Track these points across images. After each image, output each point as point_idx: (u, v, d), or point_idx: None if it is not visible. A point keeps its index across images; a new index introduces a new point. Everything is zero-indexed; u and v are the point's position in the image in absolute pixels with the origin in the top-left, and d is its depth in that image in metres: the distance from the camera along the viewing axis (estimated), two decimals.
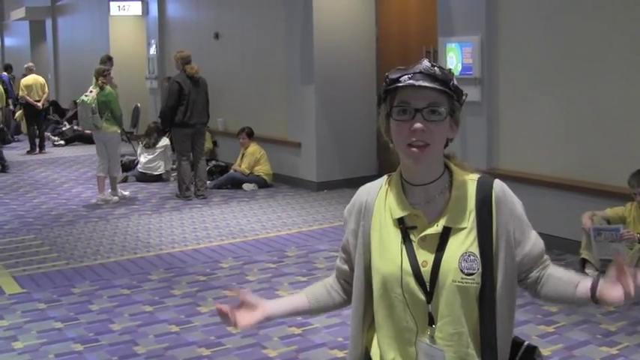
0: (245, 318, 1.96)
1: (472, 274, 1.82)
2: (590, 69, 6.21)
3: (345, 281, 2.08)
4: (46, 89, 14.65)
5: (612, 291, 1.78)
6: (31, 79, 14.44)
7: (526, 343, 1.97)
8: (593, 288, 1.83)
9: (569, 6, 6.36)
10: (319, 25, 9.43)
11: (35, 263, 6.60)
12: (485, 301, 1.83)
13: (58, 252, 6.97)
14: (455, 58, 7.21)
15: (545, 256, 1.95)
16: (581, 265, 5.53)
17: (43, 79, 14.72)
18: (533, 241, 1.92)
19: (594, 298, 1.83)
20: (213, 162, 11.00)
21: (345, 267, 2.06)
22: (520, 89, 6.82)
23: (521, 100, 6.81)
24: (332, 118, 9.61)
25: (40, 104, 14.29)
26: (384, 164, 9.58)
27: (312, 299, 2.09)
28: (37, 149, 14.46)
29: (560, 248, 6.25)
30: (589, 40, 6.20)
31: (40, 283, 5.99)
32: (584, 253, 5.46)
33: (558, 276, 1.92)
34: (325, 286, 2.12)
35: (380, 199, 1.94)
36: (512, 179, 6.09)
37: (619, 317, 4.92)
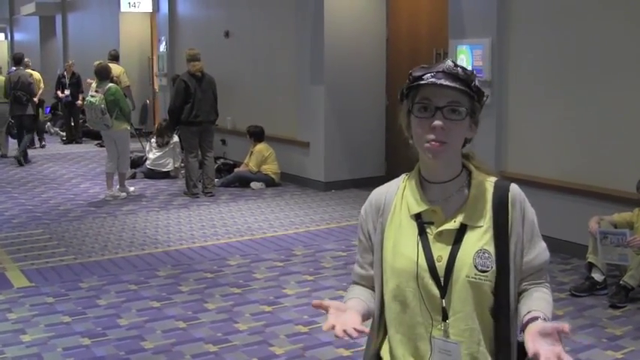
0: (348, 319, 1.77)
1: (486, 272, 1.84)
2: (601, 73, 6.20)
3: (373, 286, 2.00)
4: (42, 84, 14.49)
5: (532, 341, 1.71)
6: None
7: None
8: (524, 326, 1.79)
9: (579, 9, 6.36)
10: (330, 25, 9.44)
11: (43, 257, 6.63)
12: (501, 301, 1.86)
13: (66, 247, 7.01)
14: (465, 60, 7.21)
15: (544, 274, 1.94)
16: (588, 269, 5.52)
17: (38, 75, 14.56)
18: (538, 252, 1.92)
19: (521, 334, 1.81)
20: (222, 160, 11.04)
21: (372, 271, 2.00)
22: (530, 92, 6.82)
23: (530, 103, 6.81)
24: (341, 119, 9.62)
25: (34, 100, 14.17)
26: (393, 165, 9.59)
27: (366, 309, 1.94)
28: (38, 143, 14.50)
29: (567, 252, 6.26)
30: (599, 43, 6.20)
31: (48, 277, 6.03)
32: (590, 257, 5.45)
33: (531, 296, 1.89)
34: (366, 299, 1.98)
35: (398, 196, 1.97)
36: (521, 182, 5.98)
37: (625, 322, 4.93)
